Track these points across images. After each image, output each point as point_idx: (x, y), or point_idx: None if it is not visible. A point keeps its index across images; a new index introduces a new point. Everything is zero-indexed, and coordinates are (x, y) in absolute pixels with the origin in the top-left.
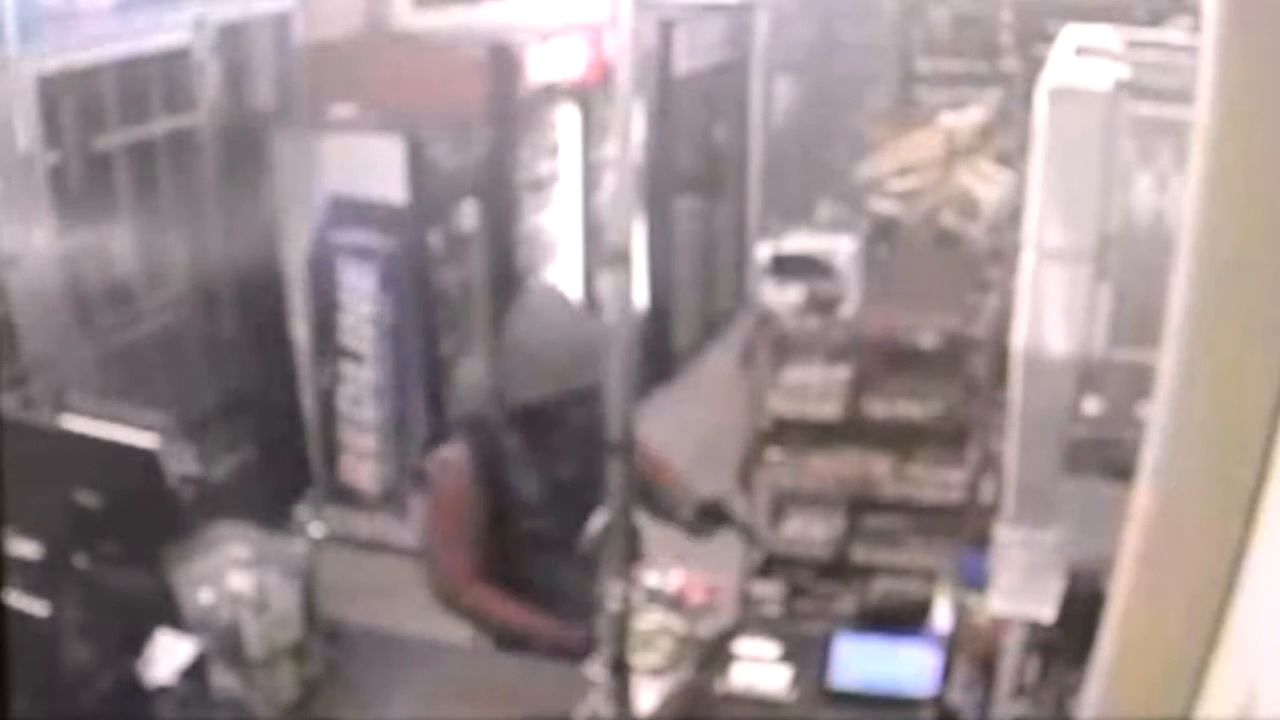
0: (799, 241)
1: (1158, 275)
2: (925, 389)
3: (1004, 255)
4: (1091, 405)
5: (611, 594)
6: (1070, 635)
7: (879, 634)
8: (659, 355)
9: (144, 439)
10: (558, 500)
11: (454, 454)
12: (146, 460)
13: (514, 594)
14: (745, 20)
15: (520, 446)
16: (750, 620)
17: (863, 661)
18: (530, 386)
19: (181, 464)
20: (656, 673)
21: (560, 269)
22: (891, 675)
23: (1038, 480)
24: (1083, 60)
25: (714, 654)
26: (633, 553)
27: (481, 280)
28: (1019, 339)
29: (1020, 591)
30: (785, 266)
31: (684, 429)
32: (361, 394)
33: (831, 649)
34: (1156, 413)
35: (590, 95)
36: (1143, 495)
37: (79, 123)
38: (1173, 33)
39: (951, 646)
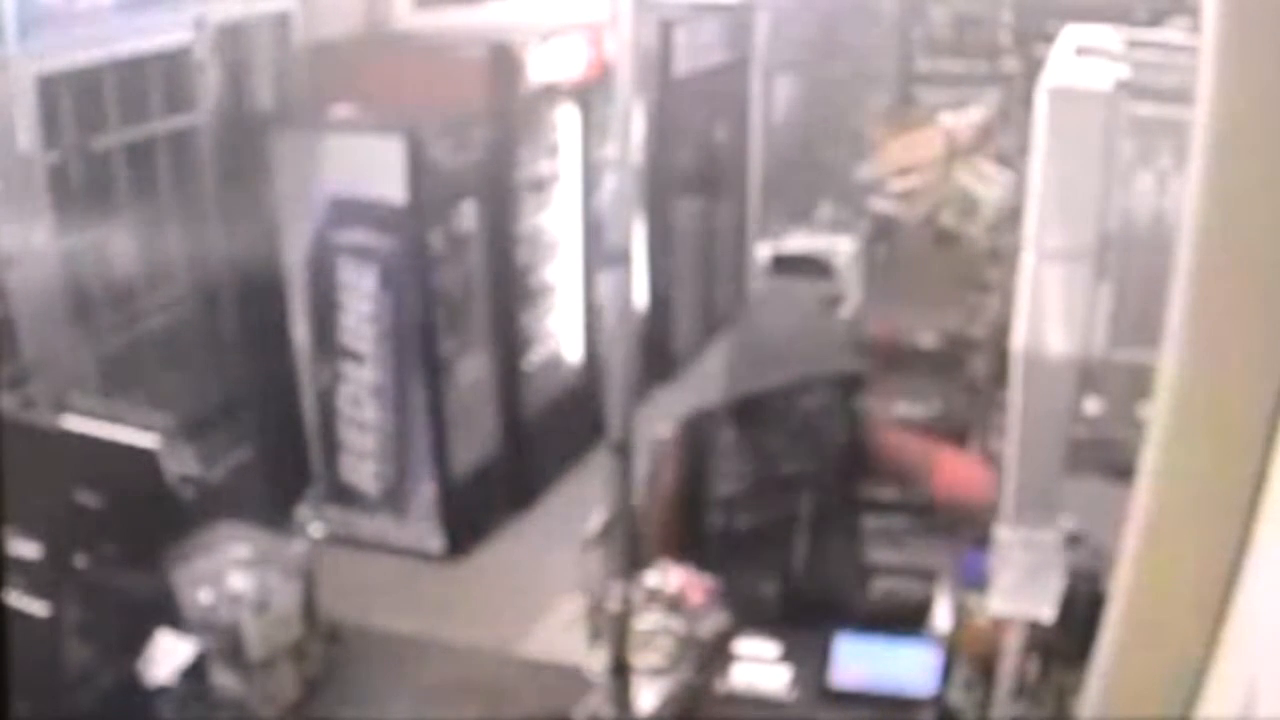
0: (799, 241)
1: (1158, 275)
2: (925, 389)
3: (1004, 255)
4: (1091, 405)
5: (612, 594)
6: (1070, 635)
7: (879, 634)
8: (659, 355)
9: (144, 439)
10: (757, 497)
11: (671, 437)
12: (146, 460)
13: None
14: (745, 20)
15: (734, 440)
16: (750, 620)
17: (863, 661)
18: (758, 378)
19: (181, 464)
20: (656, 673)
21: (560, 269)
22: (891, 675)
23: (1038, 480)
24: (1083, 60)
25: (714, 654)
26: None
27: (481, 280)
28: (1019, 339)
29: (1020, 591)
30: (785, 266)
31: None
32: (361, 394)
33: (831, 649)
34: (1156, 413)
35: (590, 95)
36: (1143, 495)
37: (79, 123)
38: (1173, 33)
39: (951, 646)
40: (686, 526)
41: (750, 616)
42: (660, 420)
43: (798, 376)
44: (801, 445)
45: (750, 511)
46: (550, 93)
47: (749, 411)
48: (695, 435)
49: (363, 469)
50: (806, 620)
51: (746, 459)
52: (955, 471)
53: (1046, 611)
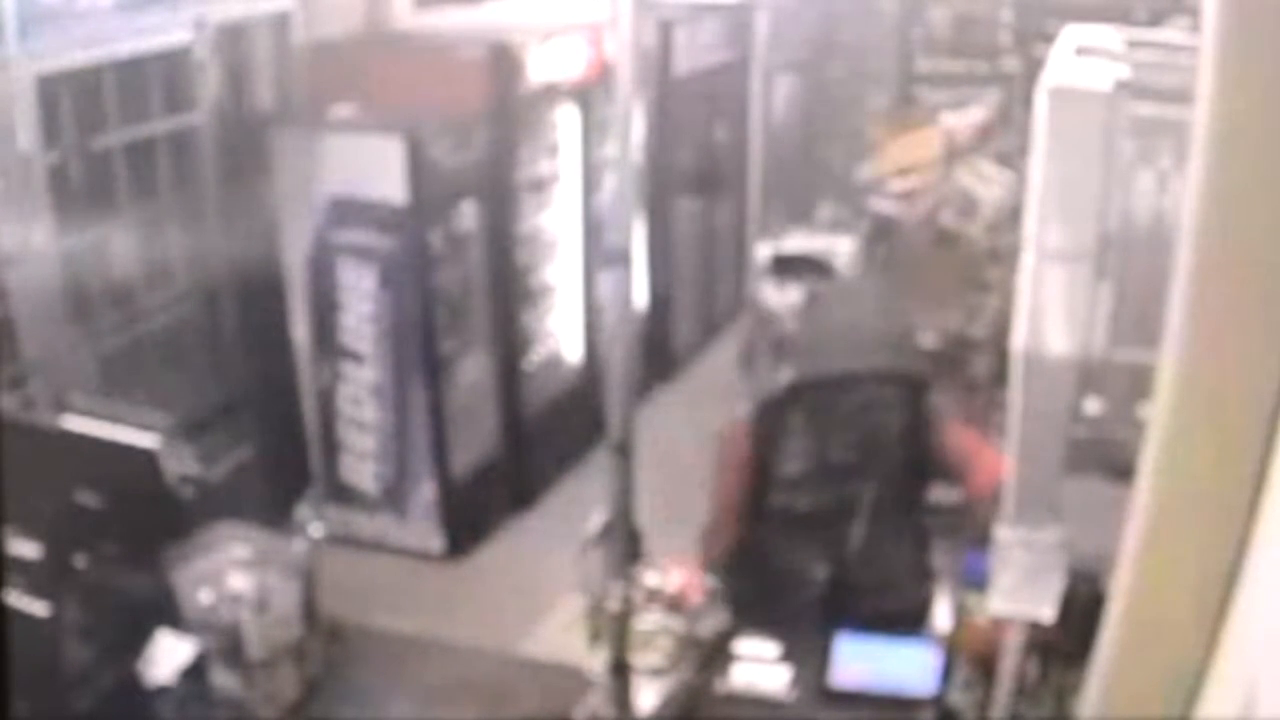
0: (799, 241)
1: (1158, 275)
2: None
3: (1004, 255)
4: (1091, 405)
5: (612, 594)
6: (1070, 635)
7: (879, 634)
8: (659, 355)
9: (144, 439)
10: (818, 480)
11: (741, 421)
12: (146, 460)
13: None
14: (745, 20)
15: (801, 422)
16: (750, 620)
17: (863, 661)
18: (823, 362)
19: (181, 464)
20: (656, 673)
21: (560, 269)
22: (891, 675)
23: (1038, 480)
24: (1083, 60)
25: (714, 654)
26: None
27: (481, 280)
28: (1019, 339)
29: (1020, 591)
30: (785, 266)
31: (684, 429)
32: (361, 394)
33: (831, 649)
34: (1156, 413)
35: (590, 95)
36: (1143, 495)
37: (79, 123)
38: (1173, 33)
39: (951, 646)
40: (754, 507)
41: (799, 597)
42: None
43: (856, 368)
44: (859, 436)
45: (809, 493)
46: (550, 93)
47: (809, 395)
48: (766, 417)
49: (363, 469)
50: (854, 609)
51: (810, 441)
52: (994, 470)
53: (1046, 611)
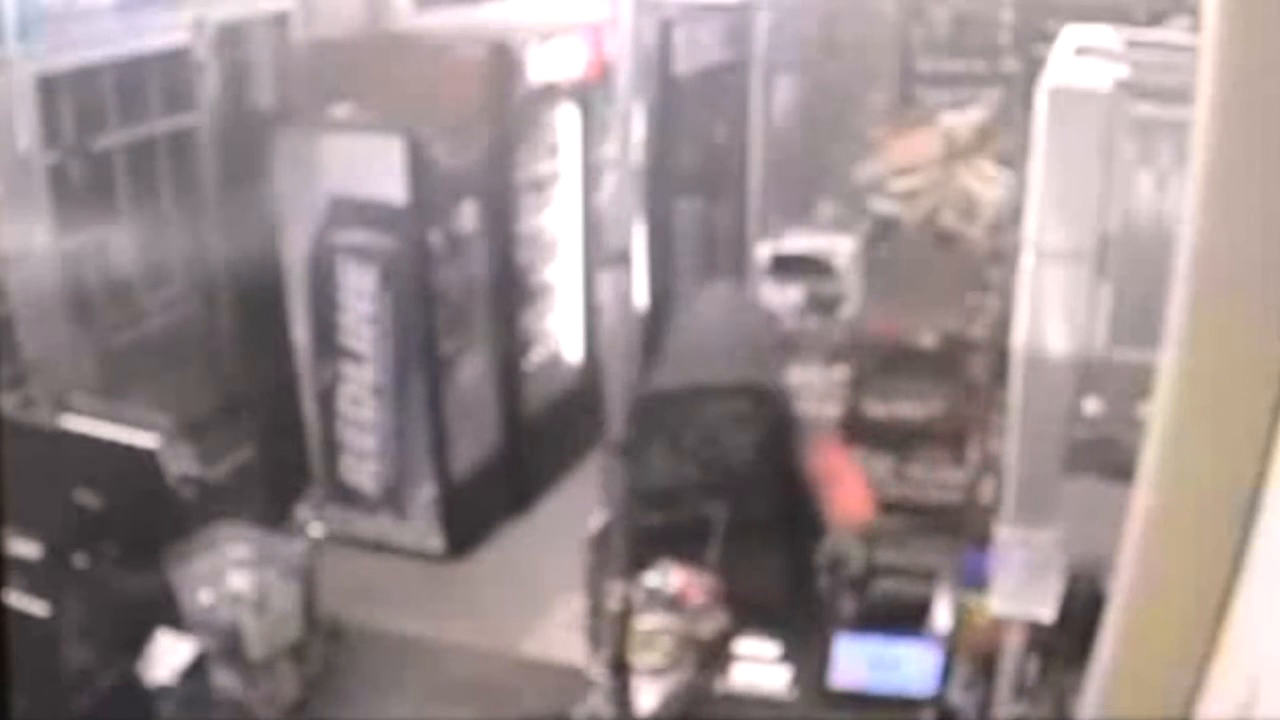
0: (799, 241)
1: (1158, 275)
2: (925, 389)
3: (1004, 255)
4: (1091, 405)
5: (611, 594)
6: (1070, 635)
7: (879, 634)
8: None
9: (144, 439)
10: (675, 498)
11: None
12: (146, 460)
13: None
14: (745, 20)
15: (654, 438)
16: (750, 620)
17: (863, 661)
18: (674, 375)
19: (181, 464)
20: (656, 673)
21: (560, 269)
22: (891, 675)
23: (1038, 480)
24: (1083, 60)
25: (714, 654)
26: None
27: (481, 280)
28: (1019, 339)
29: (1020, 591)
30: (785, 266)
31: None
32: (361, 394)
33: (831, 649)
34: (1156, 413)
35: (590, 95)
36: (1143, 495)
37: (79, 123)
38: (1173, 33)
39: (951, 646)
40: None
41: None
42: None
43: (701, 383)
44: (711, 452)
45: (667, 512)
46: (550, 93)
47: (659, 411)
48: (632, 434)
49: (363, 469)
50: None
51: (664, 457)
52: (848, 495)
53: (1046, 611)
